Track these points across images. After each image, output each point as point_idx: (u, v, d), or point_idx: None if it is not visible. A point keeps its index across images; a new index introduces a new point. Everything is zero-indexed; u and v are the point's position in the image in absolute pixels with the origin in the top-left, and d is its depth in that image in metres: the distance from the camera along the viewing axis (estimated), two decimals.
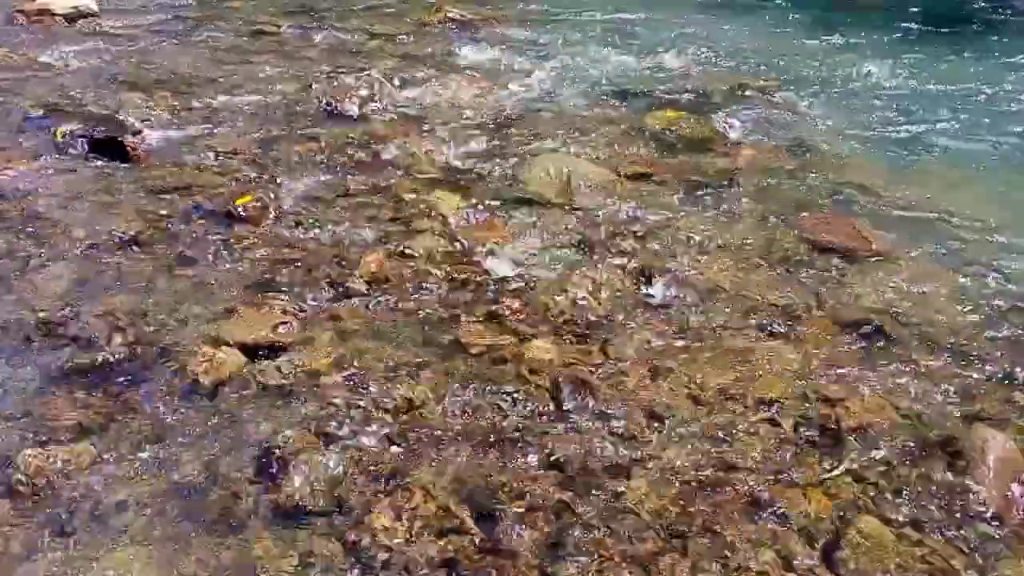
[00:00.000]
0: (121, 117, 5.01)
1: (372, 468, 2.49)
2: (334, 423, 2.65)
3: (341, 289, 3.37)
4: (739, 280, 3.49)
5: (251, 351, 2.98)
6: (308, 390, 2.80)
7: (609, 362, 2.97)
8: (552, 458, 2.54)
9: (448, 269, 3.53)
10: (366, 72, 5.98)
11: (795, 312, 3.28)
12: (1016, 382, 2.92)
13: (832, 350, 3.07)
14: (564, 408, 2.75)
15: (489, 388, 2.82)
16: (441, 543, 2.25)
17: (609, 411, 2.74)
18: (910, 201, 4.20)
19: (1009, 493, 2.44)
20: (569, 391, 2.81)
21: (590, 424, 2.69)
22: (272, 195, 4.09)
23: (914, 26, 7.42)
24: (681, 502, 2.40)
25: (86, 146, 4.50)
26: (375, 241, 3.72)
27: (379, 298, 3.33)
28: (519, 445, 2.59)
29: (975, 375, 2.95)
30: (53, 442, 2.57)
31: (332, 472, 2.46)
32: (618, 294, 3.38)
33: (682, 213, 4.06)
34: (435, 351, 3.02)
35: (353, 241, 3.73)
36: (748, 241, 3.80)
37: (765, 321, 3.23)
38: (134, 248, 3.63)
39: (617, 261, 3.61)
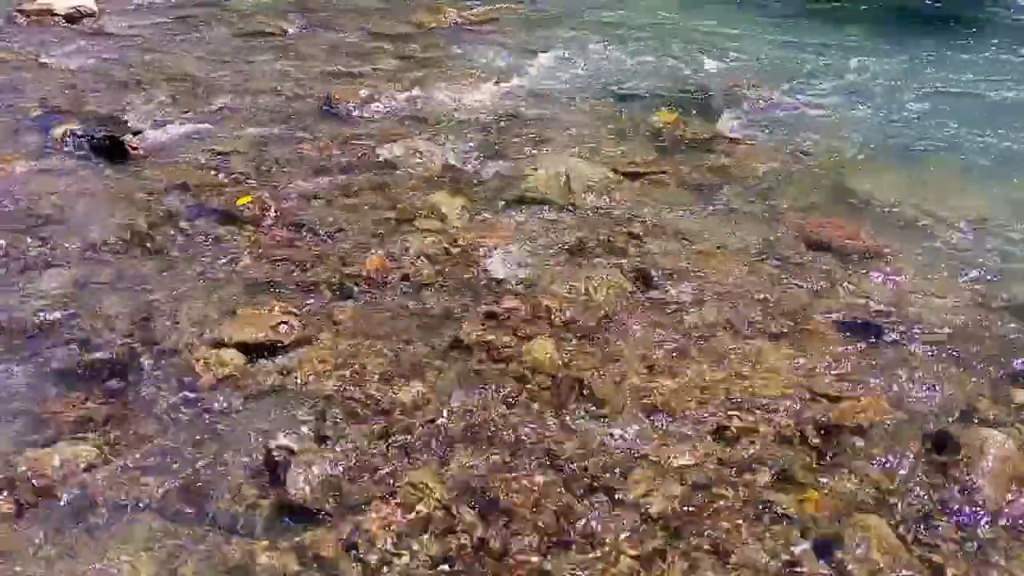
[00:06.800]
0: (121, 117, 5.02)
1: (372, 468, 2.49)
2: (334, 423, 2.66)
3: (341, 289, 3.37)
4: (738, 279, 3.49)
5: (251, 351, 2.98)
6: (308, 390, 2.81)
7: (609, 361, 2.97)
8: (552, 457, 2.54)
9: (448, 269, 3.53)
10: (366, 72, 5.99)
11: (794, 311, 3.28)
12: (1016, 382, 2.92)
13: (831, 349, 3.07)
14: (564, 407, 2.75)
15: (489, 388, 2.82)
16: (441, 542, 2.26)
17: (609, 410, 2.74)
18: (910, 200, 4.20)
19: (1008, 493, 2.44)
20: (569, 391, 2.82)
21: (590, 423, 2.69)
22: (272, 195, 4.09)
23: (914, 25, 7.42)
24: (681, 501, 2.40)
25: (86, 146, 4.50)
26: (375, 241, 3.72)
27: (379, 298, 3.33)
28: (519, 445, 2.59)
29: (975, 375, 2.95)
30: (53, 442, 2.56)
31: (332, 472, 2.46)
32: (618, 294, 3.38)
33: (682, 213, 4.06)
34: (435, 351, 3.02)
35: (353, 241, 3.73)
36: (747, 241, 3.81)
37: (765, 320, 3.23)
38: (134, 248, 3.63)
39: (617, 261, 3.61)
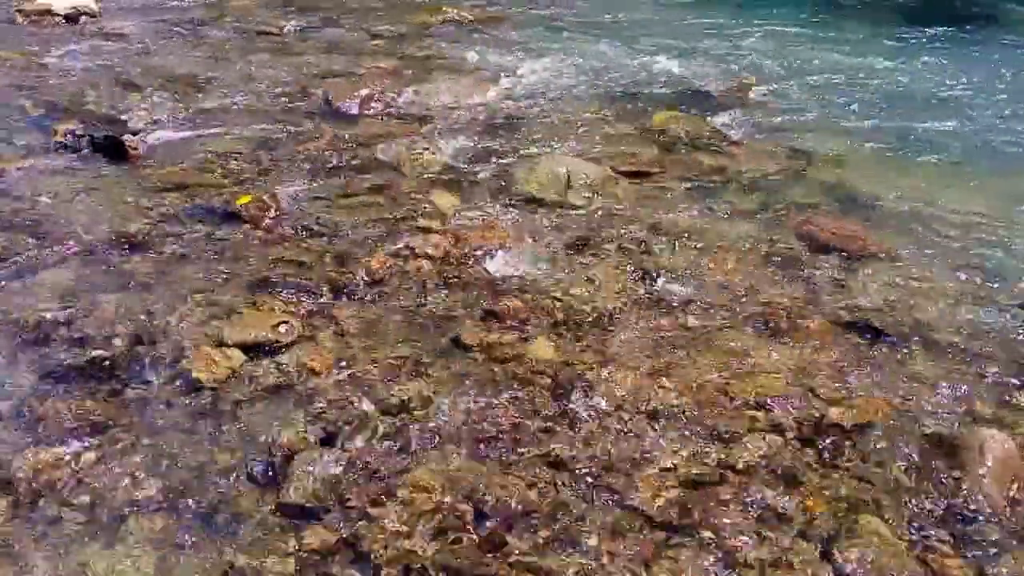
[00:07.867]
0: (121, 117, 5.02)
1: (372, 467, 2.49)
2: (334, 422, 2.66)
3: (341, 289, 3.37)
4: (738, 279, 3.49)
5: (251, 351, 2.98)
6: (308, 389, 2.81)
7: (609, 361, 2.97)
8: (552, 457, 2.54)
9: (448, 269, 3.53)
10: (366, 72, 6.00)
11: (794, 311, 3.28)
12: (1016, 382, 2.92)
13: (831, 349, 3.07)
14: (564, 407, 2.75)
15: (489, 387, 2.82)
16: (441, 542, 2.26)
17: (609, 410, 2.74)
18: (909, 200, 4.20)
19: (1008, 493, 2.44)
20: (569, 390, 2.82)
21: (590, 423, 2.69)
22: (272, 195, 4.09)
23: (913, 26, 7.42)
24: (681, 501, 2.40)
25: (86, 146, 4.50)
26: (375, 241, 3.72)
27: (379, 298, 3.33)
28: (519, 444, 2.59)
29: (975, 375, 2.95)
30: (53, 442, 2.56)
31: (332, 471, 2.46)
32: (617, 293, 3.38)
33: (681, 212, 4.06)
34: (435, 351, 3.02)
35: (353, 241, 3.73)
36: (747, 240, 3.81)
37: (764, 320, 3.23)
38: (134, 248, 3.63)
39: (616, 260, 3.61)
